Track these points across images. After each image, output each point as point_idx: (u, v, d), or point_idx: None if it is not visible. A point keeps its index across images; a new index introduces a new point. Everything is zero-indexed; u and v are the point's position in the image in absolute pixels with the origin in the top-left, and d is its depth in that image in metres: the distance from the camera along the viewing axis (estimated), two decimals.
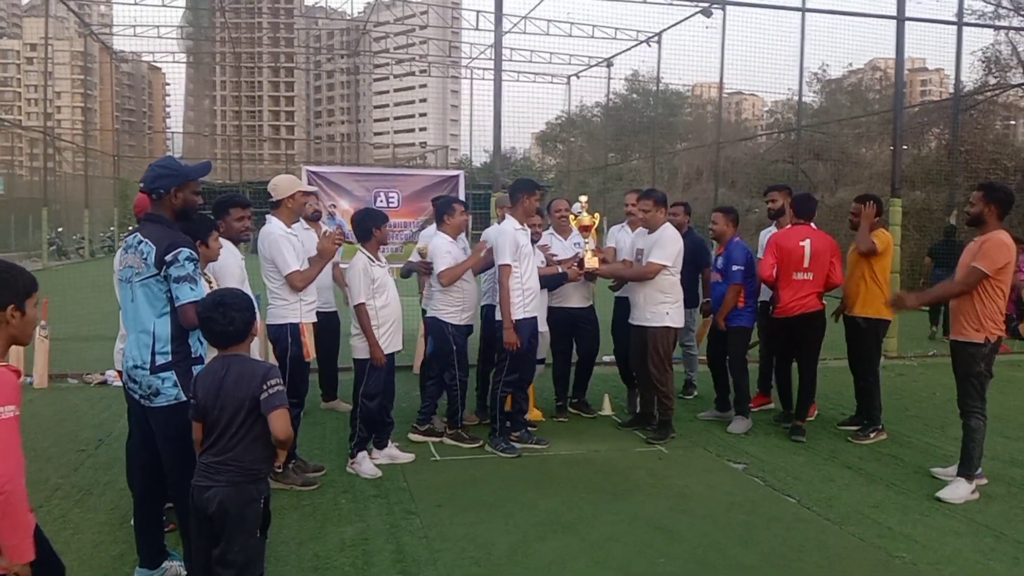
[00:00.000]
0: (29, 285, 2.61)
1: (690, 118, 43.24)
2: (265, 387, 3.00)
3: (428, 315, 6.27)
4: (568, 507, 4.95)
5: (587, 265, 6.51)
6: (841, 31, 23.36)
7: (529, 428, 6.38)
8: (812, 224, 6.59)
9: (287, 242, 5.07)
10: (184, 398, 3.53)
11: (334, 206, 8.98)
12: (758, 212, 25.89)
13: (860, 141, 27.93)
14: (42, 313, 8.40)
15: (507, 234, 5.89)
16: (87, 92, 75.51)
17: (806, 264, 6.45)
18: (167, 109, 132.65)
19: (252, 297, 3.58)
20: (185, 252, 3.56)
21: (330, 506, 4.90)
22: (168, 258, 3.52)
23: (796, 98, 22.85)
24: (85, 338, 10.49)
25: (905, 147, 24.84)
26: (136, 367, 3.60)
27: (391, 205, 9.06)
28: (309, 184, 9.06)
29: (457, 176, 9.30)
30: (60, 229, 31.51)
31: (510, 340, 5.81)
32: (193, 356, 3.68)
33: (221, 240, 4.54)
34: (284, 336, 5.08)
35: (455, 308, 6.08)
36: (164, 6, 25.45)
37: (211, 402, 3.04)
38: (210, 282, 4.28)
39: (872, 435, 6.52)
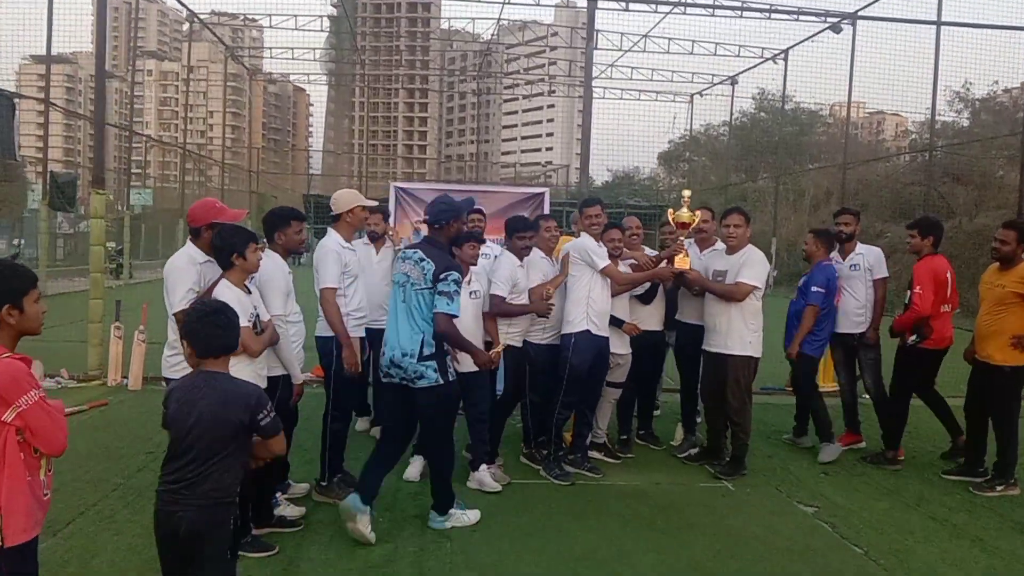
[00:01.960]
0: (25, 283, 2.68)
1: (823, 137, 41.47)
2: (261, 416, 2.99)
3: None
4: (609, 542, 4.70)
5: (677, 265, 6.07)
6: (986, 48, 21.75)
7: (589, 454, 6.15)
8: None
9: (336, 256, 5.06)
10: (442, 381, 4.59)
11: (420, 222, 9.02)
12: (889, 236, 24.47)
13: (1011, 163, 25.92)
14: (142, 318, 8.85)
15: (582, 244, 5.79)
16: (236, 112, 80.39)
17: (949, 294, 6.38)
18: (310, 128, 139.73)
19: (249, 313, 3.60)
20: (454, 275, 4.56)
21: None
22: (441, 276, 4.53)
23: (935, 117, 21.46)
24: None
25: None
26: (404, 355, 4.58)
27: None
28: (396, 201, 9.18)
29: (543, 193, 9.17)
30: None
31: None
32: (446, 350, 4.69)
33: (268, 252, 4.59)
34: (330, 349, 5.07)
35: (537, 326, 5.96)
36: (297, 30, 26.69)
37: (183, 418, 2.95)
38: (251, 294, 4.33)
39: (1000, 487, 5.84)
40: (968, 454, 6.22)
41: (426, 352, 4.56)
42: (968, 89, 29.95)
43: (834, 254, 6.78)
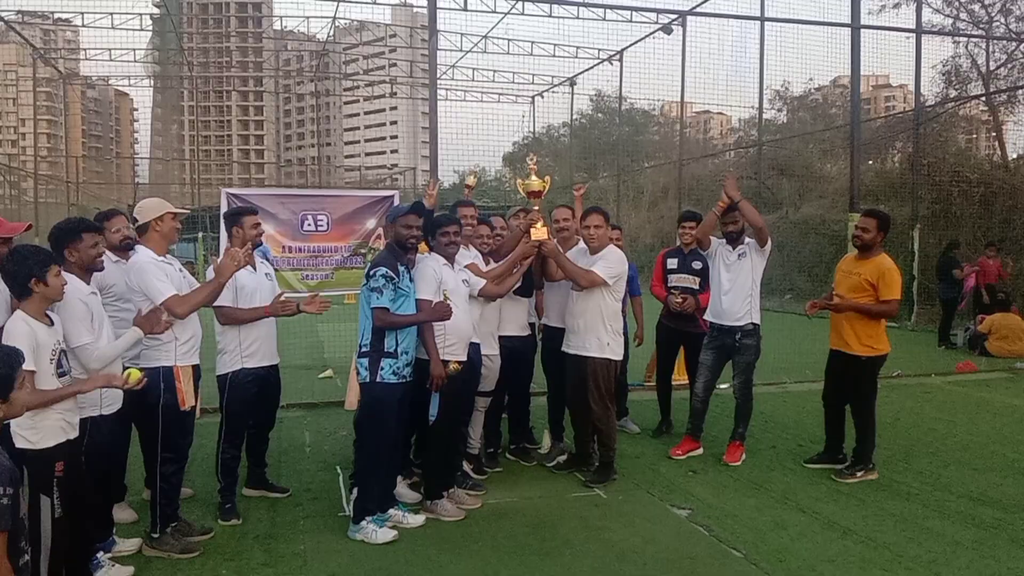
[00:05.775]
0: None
1: (656, 137, 43.06)
2: None
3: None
4: (481, 572, 4.34)
5: (534, 236, 5.59)
6: (803, 48, 23.12)
7: (467, 472, 5.77)
8: None
9: (157, 268, 4.42)
10: (369, 380, 4.77)
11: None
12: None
13: (825, 157, 27.80)
14: None
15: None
16: (52, 119, 74.30)
17: None
18: (135, 135, 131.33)
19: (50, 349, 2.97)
20: (381, 270, 4.72)
21: None
22: (369, 273, 4.78)
23: (762, 113, 22.58)
24: None
25: (870, 162, 24.73)
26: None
27: (320, 229, 8.45)
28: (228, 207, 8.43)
29: (391, 196, 8.72)
30: None
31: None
32: (386, 351, 4.75)
33: (64, 276, 3.88)
34: (156, 381, 4.42)
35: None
36: (114, 29, 24.74)
37: None
38: (53, 325, 3.67)
39: (860, 474, 5.90)
40: (828, 441, 6.30)
41: (362, 349, 4.80)
42: (787, 88, 31.89)
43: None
